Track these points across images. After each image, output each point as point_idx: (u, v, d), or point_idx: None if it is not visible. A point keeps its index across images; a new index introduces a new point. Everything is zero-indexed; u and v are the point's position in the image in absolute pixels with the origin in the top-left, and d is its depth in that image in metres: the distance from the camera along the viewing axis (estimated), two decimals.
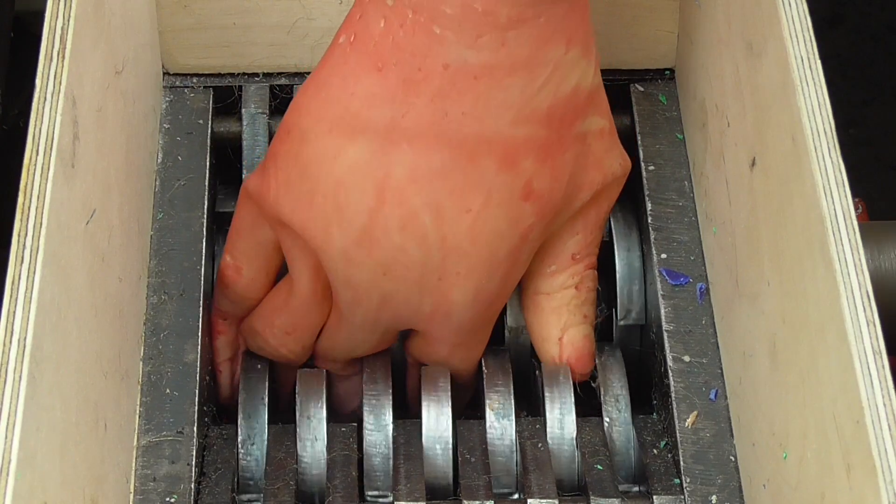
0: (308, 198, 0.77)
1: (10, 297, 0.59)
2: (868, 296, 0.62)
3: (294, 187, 0.77)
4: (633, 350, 0.87)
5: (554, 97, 0.74)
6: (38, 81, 0.66)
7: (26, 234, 0.61)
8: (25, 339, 0.58)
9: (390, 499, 0.79)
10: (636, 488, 0.79)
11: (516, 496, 0.80)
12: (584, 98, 0.77)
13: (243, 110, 0.90)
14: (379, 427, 0.81)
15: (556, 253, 0.83)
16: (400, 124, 0.73)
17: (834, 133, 0.67)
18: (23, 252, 0.61)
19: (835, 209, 0.64)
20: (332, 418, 0.82)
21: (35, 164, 0.63)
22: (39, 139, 0.64)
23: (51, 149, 0.64)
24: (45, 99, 0.66)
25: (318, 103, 0.76)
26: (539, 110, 0.74)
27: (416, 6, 0.70)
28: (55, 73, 0.66)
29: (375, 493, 0.80)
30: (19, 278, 0.60)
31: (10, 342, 0.58)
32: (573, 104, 0.76)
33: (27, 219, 0.62)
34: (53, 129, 0.65)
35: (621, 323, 0.87)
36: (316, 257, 0.78)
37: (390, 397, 0.82)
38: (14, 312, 0.59)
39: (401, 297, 0.79)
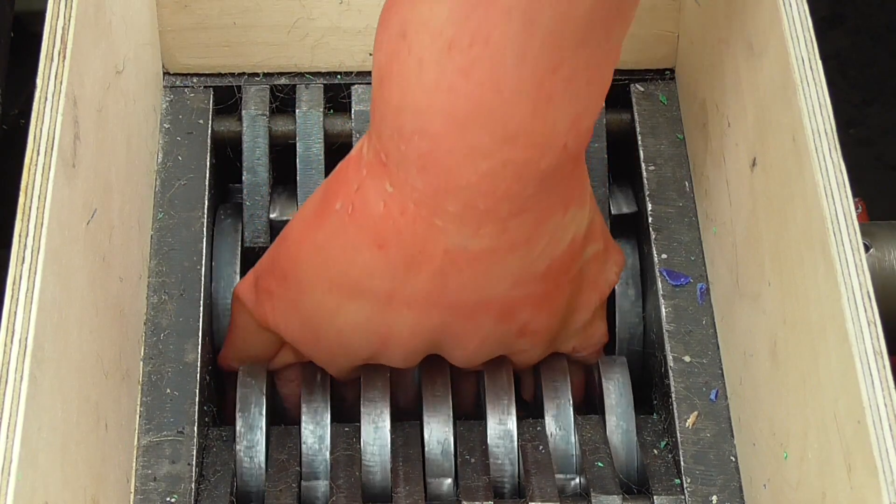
0: (312, 338, 0.81)
1: (12, 297, 0.59)
2: (869, 296, 0.62)
3: (296, 328, 0.81)
4: (634, 350, 0.87)
5: (551, 258, 0.76)
6: (38, 81, 0.66)
7: (27, 234, 0.61)
8: (27, 339, 0.58)
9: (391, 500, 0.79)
10: (636, 488, 0.79)
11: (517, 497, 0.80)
12: (579, 243, 0.78)
13: (243, 112, 0.89)
14: (377, 430, 0.80)
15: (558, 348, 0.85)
16: (400, 294, 0.75)
17: (835, 133, 0.67)
18: (24, 252, 0.61)
19: (836, 209, 0.64)
20: (334, 417, 0.82)
21: (36, 164, 0.63)
22: (40, 139, 0.64)
23: (52, 149, 0.64)
24: (46, 99, 0.65)
25: (317, 262, 0.77)
26: (537, 272, 0.76)
27: (417, 201, 0.71)
28: (56, 72, 0.66)
29: (375, 493, 0.80)
30: (20, 278, 0.60)
31: (12, 342, 0.58)
32: (569, 255, 0.78)
33: (28, 219, 0.62)
34: (54, 128, 0.65)
35: (620, 329, 0.87)
36: None
37: (388, 401, 0.82)
38: (15, 313, 0.59)
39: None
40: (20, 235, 0.61)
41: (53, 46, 0.67)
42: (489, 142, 0.68)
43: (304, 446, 0.80)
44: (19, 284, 0.60)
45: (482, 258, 0.73)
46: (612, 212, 0.88)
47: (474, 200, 0.70)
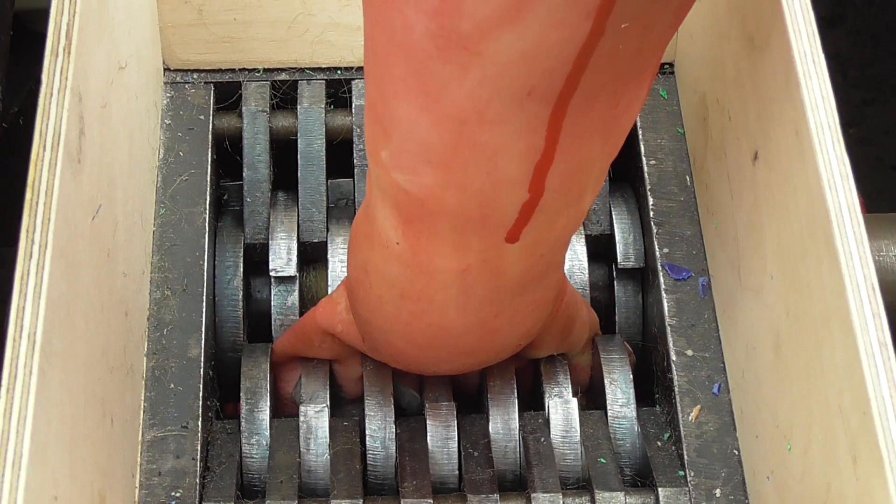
0: None
1: (20, 292, 0.59)
2: (873, 288, 0.62)
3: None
4: (635, 344, 0.87)
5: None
6: (43, 77, 0.66)
7: (34, 230, 0.61)
8: (35, 333, 0.58)
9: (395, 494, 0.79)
10: (640, 481, 0.80)
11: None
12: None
13: (244, 109, 0.89)
14: (381, 426, 0.81)
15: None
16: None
17: (838, 127, 0.67)
18: (31, 247, 0.61)
19: (839, 202, 0.65)
20: (335, 409, 0.82)
21: (42, 160, 0.63)
22: (46, 134, 0.64)
23: (58, 144, 0.64)
24: (52, 94, 0.65)
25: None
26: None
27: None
28: (61, 68, 0.66)
29: (379, 487, 0.80)
30: (28, 273, 0.60)
31: (21, 337, 0.58)
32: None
33: (35, 214, 0.62)
34: (60, 124, 0.65)
35: (622, 325, 0.88)
36: None
37: (391, 396, 0.82)
38: (24, 308, 0.59)
39: None
40: (27, 231, 0.61)
41: (58, 42, 0.67)
42: (447, 355, 0.77)
43: (304, 439, 0.80)
44: (27, 280, 0.60)
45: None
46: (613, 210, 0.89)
47: (445, 372, 0.81)
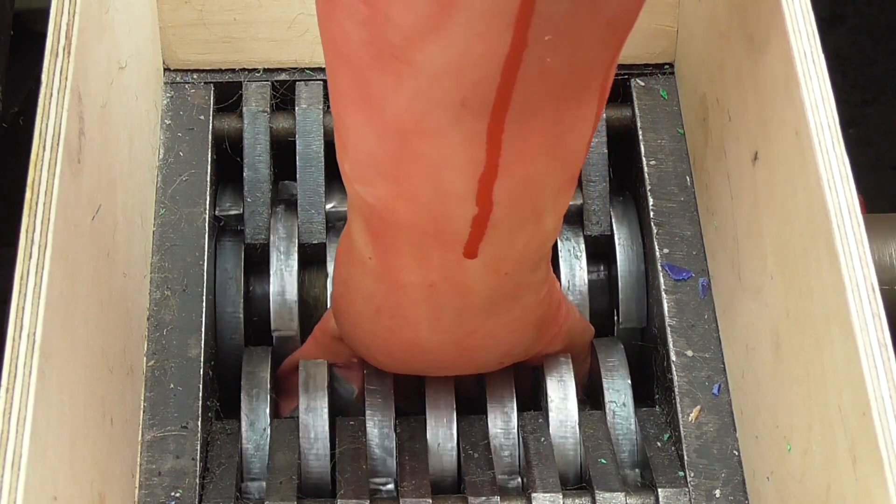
0: None
1: (20, 292, 0.59)
2: (873, 288, 0.62)
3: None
4: (635, 344, 0.87)
5: None
6: (43, 77, 0.66)
7: (34, 230, 0.61)
8: (35, 333, 0.58)
9: (395, 493, 0.79)
10: (640, 481, 0.80)
11: (519, 485, 0.80)
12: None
13: (244, 109, 0.89)
14: (382, 425, 0.81)
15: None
16: None
17: (837, 127, 0.67)
18: (31, 248, 0.61)
19: (839, 202, 0.65)
20: (336, 409, 0.82)
21: (42, 160, 0.63)
22: (46, 134, 0.64)
23: (58, 144, 0.64)
24: (52, 94, 0.65)
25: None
26: None
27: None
28: (61, 68, 0.66)
29: (380, 486, 0.80)
30: (28, 273, 0.60)
31: (20, 337, 0.58)
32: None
33: (35, 214, 0.62)
34: (60, 124, 0.65)
35: (622, 326, 0.87)
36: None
37: (392, 396, 0.82)
38: (23, 308, 0.59)
39: None
40: (27, 231, 0.61)
41: (58, 42, 0.67)
42: (426, 368, 0.80)
43: (304, 440, 0.80)
44: (27, 280, 0.60)
45: None
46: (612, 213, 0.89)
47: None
